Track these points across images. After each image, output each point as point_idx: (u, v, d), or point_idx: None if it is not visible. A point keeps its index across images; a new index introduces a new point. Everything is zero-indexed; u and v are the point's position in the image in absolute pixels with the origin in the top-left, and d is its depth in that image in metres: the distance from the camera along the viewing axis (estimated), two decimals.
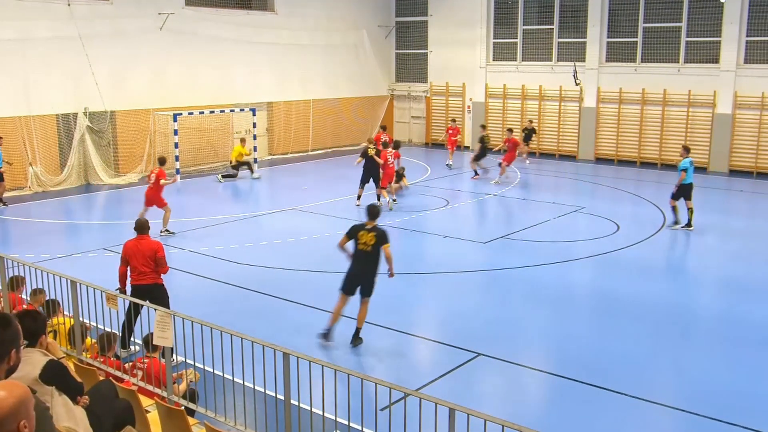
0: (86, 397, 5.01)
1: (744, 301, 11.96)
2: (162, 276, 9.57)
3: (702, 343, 10.50)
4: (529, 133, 26.26)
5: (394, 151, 19.23)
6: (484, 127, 24.27)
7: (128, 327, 8.88)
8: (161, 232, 15.46)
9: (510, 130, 22.70)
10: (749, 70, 23.70)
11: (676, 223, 16.50)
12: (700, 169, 24.38)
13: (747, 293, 12.35)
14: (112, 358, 7.60)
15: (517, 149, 23.07)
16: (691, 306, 11.93)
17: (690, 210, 16.32)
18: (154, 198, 15.62)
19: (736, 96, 23.96)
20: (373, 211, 9.97)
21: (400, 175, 19.90)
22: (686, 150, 16.66)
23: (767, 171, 23.77)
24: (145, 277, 9.37)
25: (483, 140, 22.96)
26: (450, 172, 24.15)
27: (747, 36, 23.71)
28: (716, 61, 24.25)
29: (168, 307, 8.72)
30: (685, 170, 16.14)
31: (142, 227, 9.63)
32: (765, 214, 19.21)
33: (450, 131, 25.77)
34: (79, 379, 5.16)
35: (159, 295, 9.36)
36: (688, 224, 16.31)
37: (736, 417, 7.97)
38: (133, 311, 8.22)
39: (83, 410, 4.92)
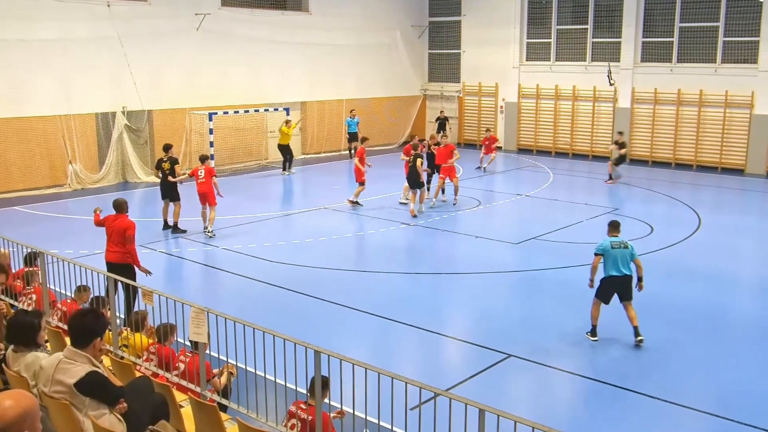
0: (124, 404, 5.10)
1: None
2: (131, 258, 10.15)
3: (736, 346, 10.34)
4: None
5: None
6: (621, 133, 23.85)
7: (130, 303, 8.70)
8: None
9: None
10: None
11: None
12: (737, 171, 24.03)
13: None
14: (170, 348, 7.61)
15: None
16: (726, 309, 11.76)
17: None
18: None
19: None
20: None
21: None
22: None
23: None
24: (112, 254, 10.15)
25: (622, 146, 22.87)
26: (481, 172, 24.08)
27: None
28: (754, 61, 23.82)
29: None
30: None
31: (120, 206, 10.44)
32: None
33: (486, 141, 25.28)
34: (119, 384, 5.24)
35: (125, 276, 9.56)
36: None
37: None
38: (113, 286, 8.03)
39: (117, 420, 5.01)
